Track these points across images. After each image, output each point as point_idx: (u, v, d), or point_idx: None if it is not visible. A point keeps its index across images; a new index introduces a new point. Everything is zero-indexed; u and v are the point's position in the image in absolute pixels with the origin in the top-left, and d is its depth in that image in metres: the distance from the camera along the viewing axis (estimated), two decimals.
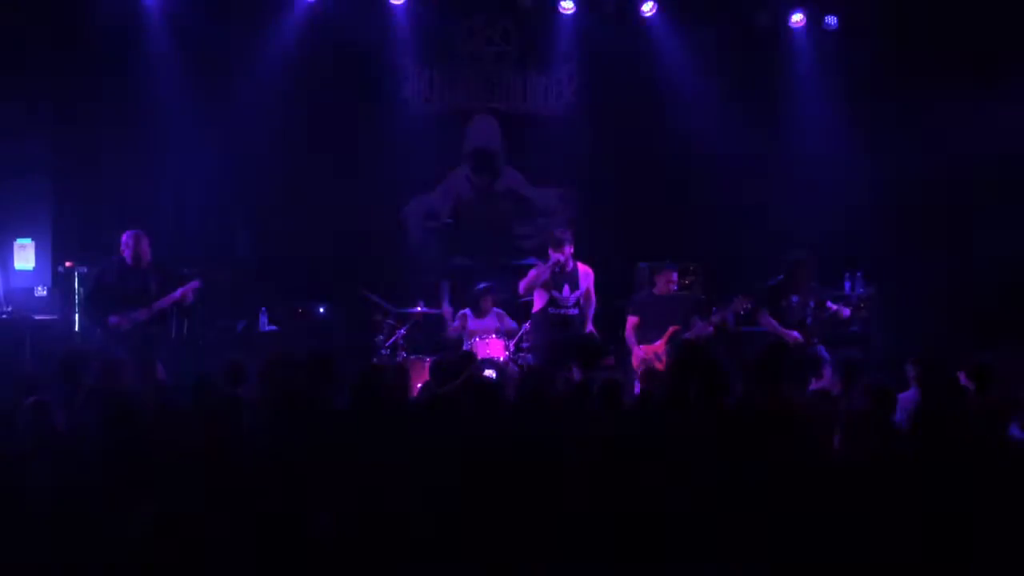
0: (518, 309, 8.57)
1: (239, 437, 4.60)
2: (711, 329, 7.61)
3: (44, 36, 8.84)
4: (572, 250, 7.57)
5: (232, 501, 4.02)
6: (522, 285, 7.75)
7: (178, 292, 7.01)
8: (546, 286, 7.57)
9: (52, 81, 8.92)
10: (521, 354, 8.25)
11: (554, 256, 7.50)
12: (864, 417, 4.25)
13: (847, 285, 9.09)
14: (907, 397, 5.31)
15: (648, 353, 7.65)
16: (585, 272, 7.65)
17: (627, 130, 10.23)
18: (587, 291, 7.64)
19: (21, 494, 3.96)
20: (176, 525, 2.85)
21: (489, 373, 5.17)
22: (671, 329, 7.62)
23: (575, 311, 7.55)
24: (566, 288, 7.52)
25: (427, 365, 6.72)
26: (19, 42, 8.67)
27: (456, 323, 8.47)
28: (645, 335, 7.74)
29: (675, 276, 7.99)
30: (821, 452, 4.67)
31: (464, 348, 8.00)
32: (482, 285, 8.62)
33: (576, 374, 5.77)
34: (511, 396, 6.97)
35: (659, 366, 7.44)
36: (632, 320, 7.84)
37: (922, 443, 4.35)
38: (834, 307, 7.50)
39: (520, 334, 8.37)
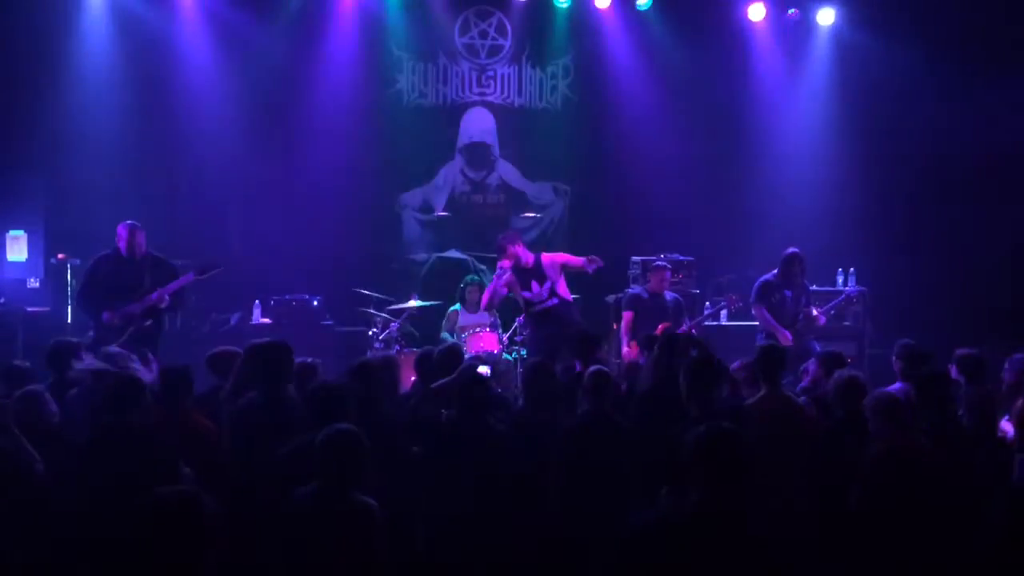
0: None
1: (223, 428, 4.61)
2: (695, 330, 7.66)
3: (38, 29, 8.82)
4: (518, 249, 7.41)
5: (222, 489, 4.03)
6: (483, 301, 7.76)
7: (155, 294, 6.94)
8: (513, 290, 7.51)
9: (46, 74, 8.90)
10: (515, 347, 8.26)
11: (499, 265, 7.45)
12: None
13: (839, 281, 9.13)
14: (894, 390, 5.32)
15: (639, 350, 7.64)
16: (550, 263, 7.46)
17: (621, 124, 10.24)
18: (559, 269, 7.43)
19: (12, 484, 3.97)
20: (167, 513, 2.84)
21: (483, 370, 5.15)
22: (662, 326, 7.63)
23: (553, 301, 7.42)
24: (534, 285, 7.42)
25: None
26: (12, 33, 8.64)
27: (447, 326, 8.44)
28: (639, 331, 7.75)
29: (668, 276, 8.00)
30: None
31: (455, 343, 7.97)
32: (468, 279, 8.65)
33: (577, 365, 5.79)
34: (505, 389, 7.01)
35: None
36: (627, 315, 7.85)
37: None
38: (815, 312, 7.56)
39: (514, 327, 8.38)
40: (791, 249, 7.63)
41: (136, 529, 2.75)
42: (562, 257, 7.57)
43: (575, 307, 7.64)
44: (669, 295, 7.97)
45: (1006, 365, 5.39)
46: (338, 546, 3.45)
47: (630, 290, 8.25)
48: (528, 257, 7.47)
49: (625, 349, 7.75)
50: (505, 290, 7.48)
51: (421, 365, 5.63)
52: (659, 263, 8.12)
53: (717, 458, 2.91)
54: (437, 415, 4.85)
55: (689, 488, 2.94)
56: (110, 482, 3.85)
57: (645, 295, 7.92)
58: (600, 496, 4.36)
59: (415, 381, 6.22)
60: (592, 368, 4.84)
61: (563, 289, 7.51)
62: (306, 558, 3.45)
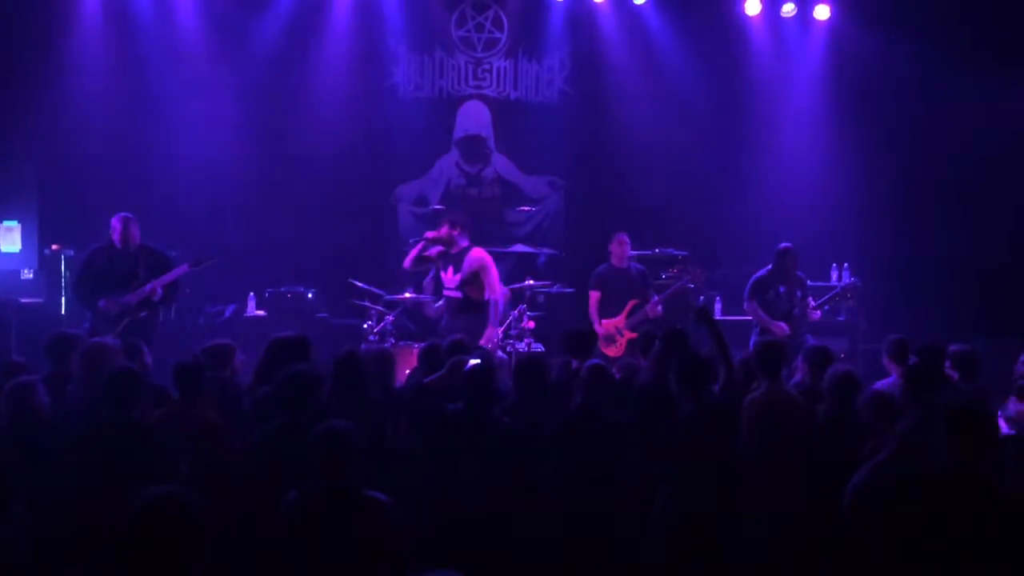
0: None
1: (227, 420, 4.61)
2: (659, 309, 7.75)
3: (34, 21, 8.79)
4: (452, 232, 7.22)
5: (219, 484, 4.03)
6: (407, 262, 7.49)
7: (147, 286, 6.91)
8: (436, 266, 7.46)
9: (40, 64, 8.87)
10: (509, 341, 8.26)
11: (427, 234, 7.34)
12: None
13: (833, 276, 9.16)
14: (886, 384, 5.34)
15: (610, 328, 7.80)
16: (472, 258, 7.20)
17: (618, 118, 10.24)
18: (473, 275, 7.18)
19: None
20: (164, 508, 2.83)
21: (474, 362, 5.14)
22: (630, 303, 7.74)
23: (457, 294, 7.27)
24: (451, 270, 7.34)
25: (415, 352, 6.71)
26: (5, 22, 8.60)
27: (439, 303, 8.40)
28: (607, 309, 7.87)
29: (624, 238, 7.97)
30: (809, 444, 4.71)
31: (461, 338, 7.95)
32: None
33: (573, 362, 5.78)
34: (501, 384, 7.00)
35: (620, 340, 7.74)
36: (594, 295, 7.93)
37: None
38: (812, 305, 7.60)
39: (508, 321, 8.38)
40: (784, 244, 7.67)
41: (121, 528, 2.73)
42: (476, 263, 7.21)
43: (482, 310, 7.25)
44: (635, 267, 8.03)
45: (1022, 357, 5.39)
46: (351, 543, 3.44)
47: (596, 269, 8.21)
48: (460, 244, 7.29)
49: (598, 328, 7.80)
50: (432, 252, 7.32)
51: (425, 358, 5.62)
52: (618, 234, 8.05)
53: (966, 429, 3.31)
54: (442, 408, 4.82)
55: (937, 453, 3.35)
56: (105, 478, 3.84)
57: (610, 271, 7.98)
58: (593, 490, 4.37)
59: (409, 373, 6.23)
60: (589, 362, 4.85)
61: (480, 291, 7.19)
62: (318, 557, 3.44)
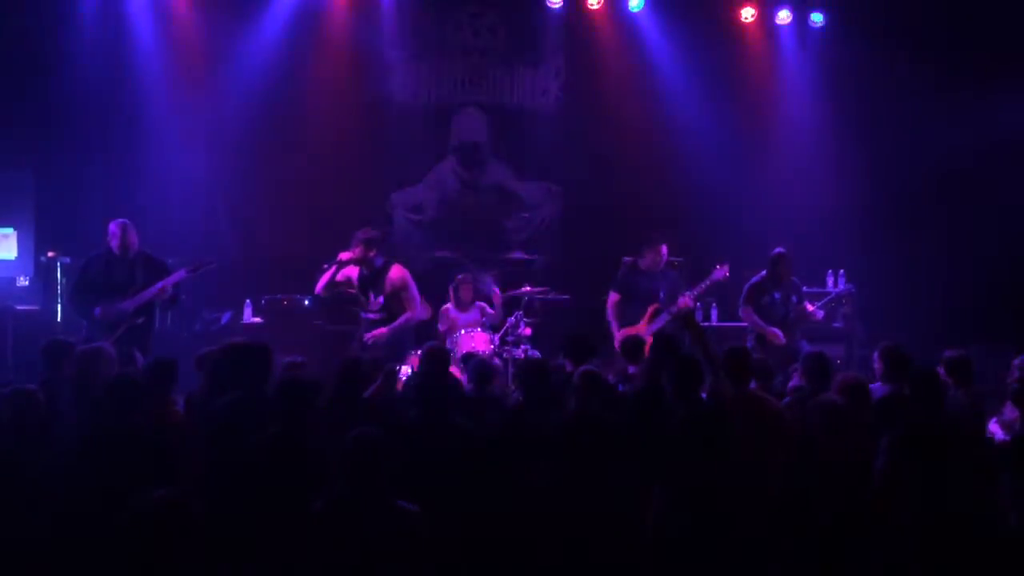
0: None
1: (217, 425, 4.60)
2: (691, 303, 7.49)
3: (31, 27, 8.80)
4: (367, 253, 7.02)
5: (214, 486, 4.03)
6: (318, 288, 7.31)
7: (157, 285, 6.89)
8: (356, 289, 7.21)
9: (36, 71, 8.88)
10: (507, 347, 8.26)
11: (340, 255, 7.08)
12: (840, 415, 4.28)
13: (829, 282, 9.17)
14: (874, 389, 5.35)
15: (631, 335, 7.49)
16: (392, 277, 7.05)
17: (614, 125, 10.26)
18: (394, 293, 7.04)
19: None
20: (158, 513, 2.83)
21: (405, 370, 5.06)
22: (651, 308, 7.53)
23: (382, 315, 7.07)
24: (371, 295, 7.12)
25: (414, 358, 6.68)
26: (2, 30, 8.62)
27: (441, 325, 8.34)
28: (627, 314, 7.59)
29: (664, 250, 7.67)
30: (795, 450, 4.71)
31: (448, 342, 7.96)
32: (459, 276, 8.60)
33: (568, 366, 5.79)
34: (497, 389, 7.00)
35: (644, 348, 7.34)
36: (613, 297, 7.64)
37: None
38: (810, 308, 7.57)
39: (506, 327, 8.38)
40: (778, 249, 7.65)
41: (124, 532, 2.73)
42: (398, 280, 7.04)
43: (409, 332, 7.21)
44: (670, 274, 7.72)
45: (1015, 362, 5.40)
46: (381, 555, 3.37)
47: (621, 269, 8.00)
48: (378, 263, 7.09)
49: (617, 334, 7.52)
50: (344, 275, 7.09)
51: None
52: (654, 236, 7.77)
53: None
54: (405, 416, 4.77)
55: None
56: (105, 482, 3.83)
57: (636, 273, 7.67)
58: (588, 494, 4.37)
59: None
60: (581, 368, 4.86)
61: (402, 308, 7.04)
62: (346, 567, 3.37)
